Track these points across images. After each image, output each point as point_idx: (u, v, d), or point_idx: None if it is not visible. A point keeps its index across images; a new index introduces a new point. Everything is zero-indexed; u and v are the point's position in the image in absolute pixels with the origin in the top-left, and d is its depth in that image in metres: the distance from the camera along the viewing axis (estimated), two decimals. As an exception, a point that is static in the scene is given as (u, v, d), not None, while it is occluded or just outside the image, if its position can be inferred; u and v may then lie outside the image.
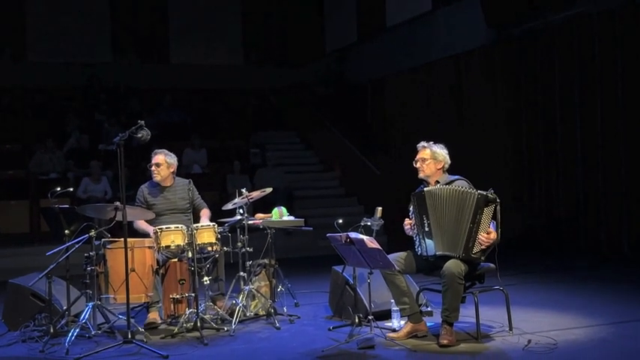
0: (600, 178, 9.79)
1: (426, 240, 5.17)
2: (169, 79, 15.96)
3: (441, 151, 5.37)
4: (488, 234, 5.02)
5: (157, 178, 6.35)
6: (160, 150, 6.45)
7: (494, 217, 5.05)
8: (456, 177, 5.33)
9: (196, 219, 6.33)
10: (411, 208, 5.33)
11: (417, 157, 5.39)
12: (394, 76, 14.37)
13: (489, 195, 5.03)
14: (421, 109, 13.36)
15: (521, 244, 10.49)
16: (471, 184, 5.24)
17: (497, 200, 5.04)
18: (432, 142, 5.42)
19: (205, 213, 6.50)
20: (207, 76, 16.17)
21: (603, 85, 9.71)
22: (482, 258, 5.09)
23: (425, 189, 5.24)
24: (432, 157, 5.34)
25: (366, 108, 15.63)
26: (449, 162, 5.38)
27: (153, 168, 6.35)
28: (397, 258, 5.26)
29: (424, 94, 13.40)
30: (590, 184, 9.98)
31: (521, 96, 11.17)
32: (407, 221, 5.36)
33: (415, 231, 5.26)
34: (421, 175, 5.37)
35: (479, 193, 5.03)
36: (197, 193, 6.52)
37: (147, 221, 6.23)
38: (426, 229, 5.16)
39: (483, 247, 5.03)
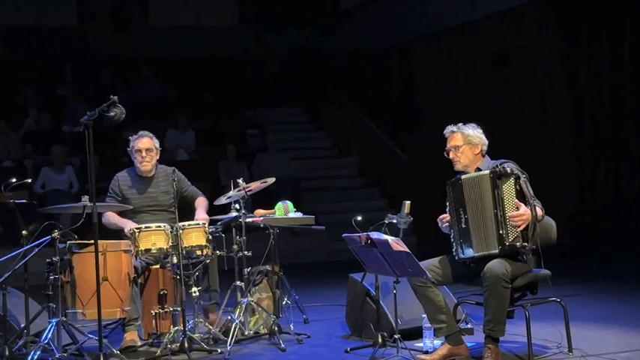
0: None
1: (463, 239, 5.16)
2: (148, 46, 15.97)
3: (475, 132, 5.32)
4: (517, 209, 4.99)
5: (147, 167, 6.31)
6: (145, 132, 6.41)
7: (522, 194, 5.02)
8: (502, 161, 5.26)
9: (192, 211, 6.33)
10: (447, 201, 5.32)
11: (448, 145, 5.34)
12: (425, 40, 14.34)
13: (498, 169, 5.03)
14: (458, 81, 13.32)
15: (584, 245, 10.45)
16: (520, 168, 5.20)
17: (514, 172, 5.02)
18: (460, 124, 5.36)
19: (202, 202, 6.48)
20: (194, 40, 16.15)
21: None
22: (527, 245, 5.00)
23: (463, 177, 5.22)
24: (465, 142, 5.29)
25: (391, 79, 15.60)
26: (486, 143, 5.32)
27: (143, 154, 6.28)
28: (430, 266, 5.22)
29: (463, 62, 13.35)
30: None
31: (584, 61, 11.10)
32: (443, 216, 5.35)
33: (451, 228, 5.25)
34: (457, 167, 5.32)
35: (490, 172, 5.04)
36: (186, 181, 6.50)
37: (121, 214, 6.25)
38: (463, 225, 5.14)
39: (520, 227, 4.98)
